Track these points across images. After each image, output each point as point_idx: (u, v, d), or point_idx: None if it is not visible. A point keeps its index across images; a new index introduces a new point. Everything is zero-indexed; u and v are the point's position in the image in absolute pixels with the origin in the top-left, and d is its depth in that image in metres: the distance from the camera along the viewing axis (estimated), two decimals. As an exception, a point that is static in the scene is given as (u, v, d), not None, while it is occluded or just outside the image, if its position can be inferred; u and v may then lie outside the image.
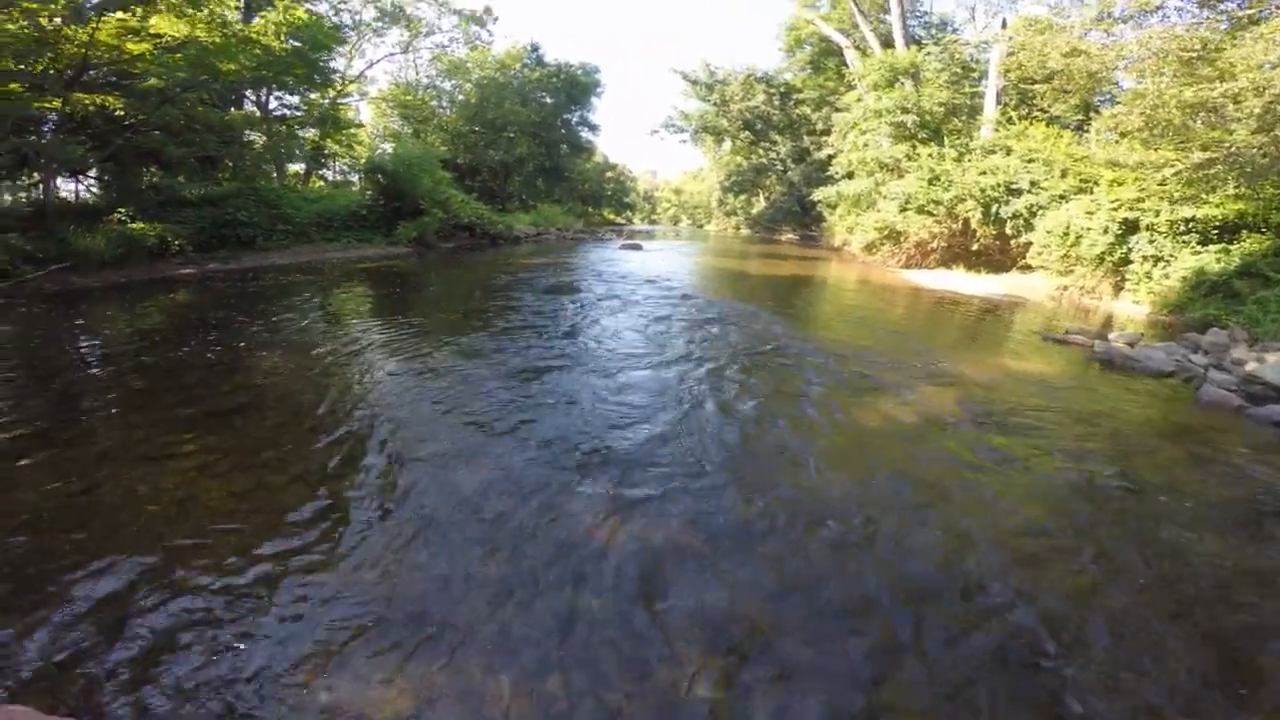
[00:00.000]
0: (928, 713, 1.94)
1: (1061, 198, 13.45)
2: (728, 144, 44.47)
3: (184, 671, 2.02)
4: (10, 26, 9.43)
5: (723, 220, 56.04)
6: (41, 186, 11.99)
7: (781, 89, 37.17)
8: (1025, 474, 3.67)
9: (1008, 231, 14.66)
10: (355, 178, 24.91)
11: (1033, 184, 14.21)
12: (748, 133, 40.06)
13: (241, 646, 2.13)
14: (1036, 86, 14.01)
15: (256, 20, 15.11)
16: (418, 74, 33.22)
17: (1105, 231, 11.45)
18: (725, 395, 4.95)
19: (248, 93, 19.58)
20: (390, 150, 23.63)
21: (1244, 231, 10.10)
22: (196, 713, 1.87)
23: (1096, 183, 12.78)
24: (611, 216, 50.27)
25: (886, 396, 5.06)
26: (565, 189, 39.19)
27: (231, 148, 15.31)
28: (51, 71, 10.70)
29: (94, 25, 10.32)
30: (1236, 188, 9.99)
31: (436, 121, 31.17)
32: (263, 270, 11.88)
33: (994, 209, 14.80)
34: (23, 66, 10.18)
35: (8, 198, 13.38)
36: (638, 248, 21.38)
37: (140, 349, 6.00)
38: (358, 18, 27.38)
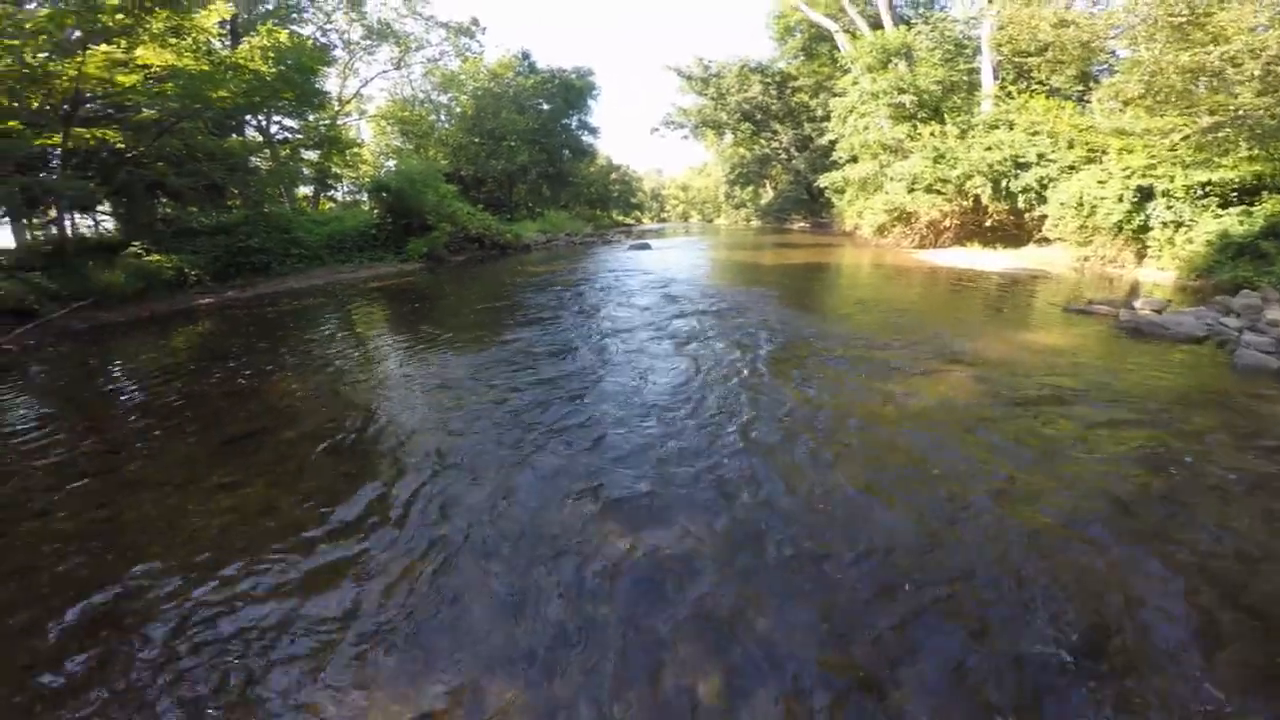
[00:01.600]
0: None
1: (1071, 168, 13.30)
2: (729, 137, 44.36)
3: (185, 684, 2.07)
4: None
5: (732, 213, 55.95)
6: (56, 224, 12.23)
7: (777, 78, 36.96)
8: (1054, 454, 3.56)
9: (1020, 205, 14.49)
10: (364, 197, 25.19)
11: (1040, 156, 14.06)
12: (748, 124, 39.89)
13: (245, 662, 2.17)
14: (1031, 59, 13.92)
15: (243, 46, 15.26)
16: (413, 89, 33.54)
17: (1120, 200, 11.25)
18: (736, 385, 4.93)
19: (249, 118, 19.84)
20: (393, 167, 23.88)
21: (1264, 193, 9.88)
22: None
23: (1105, 151, 12.62)
24: (620, 218, 50.34)
25: (903, 379, 4.99)
26: (571, 194, 39.31)
27: (236, 174, 15.48)
28: (47, 108, 10.89)
29: (80, 59, 10.48)
30: (1249, 150, 9.83)
31: (436, 135, 31.41)
32: (279, 295, 12.03)
33: (1004, 183, 14.65)
34: (17, 104, 10.38)
35: (28, 236, 13.64)
36: (646, 247, 21.35)
37: (163, 380, 6.09)
38: (346, 37, 27.73)
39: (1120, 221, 11.29)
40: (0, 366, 7.18)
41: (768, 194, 47.81)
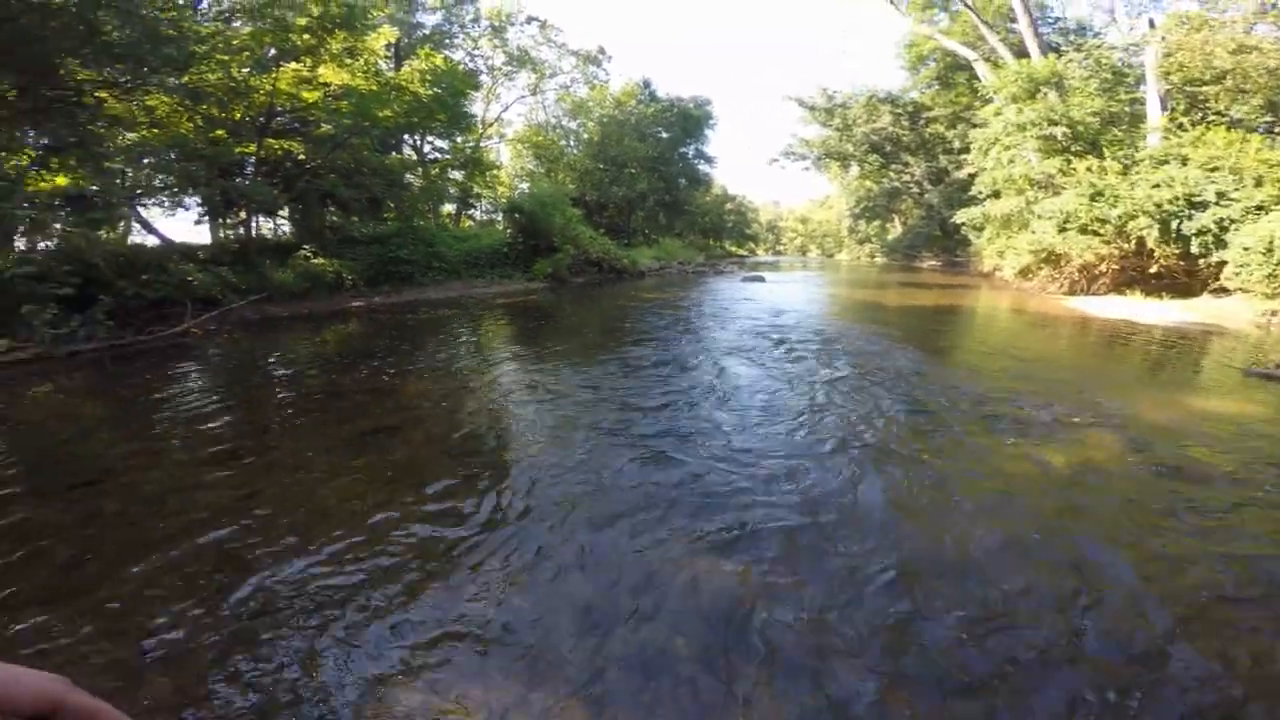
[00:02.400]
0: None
1: (1259, 209, 11.74)
2: (855, 169, 43.28)
3: (278, 665, 2.20)
4: (210, 76, 11.26)
5: (855, 248, 54.26)
6: (244, 224, 14.08)
7: (909, 108, 35.71)
8: (1220, 541, 3.02)
9: (1193, 250, 12.90)
10: (499, 216, 26.96)
11: (1220, 195, 12.50)
12: (876, 156, 38.73)
13: (341, 648, 2.28)
14: (1206, 88, 12.54)
15: (404, 68, 16.87)
16: (546, 115, 35.67)
17: (1322, 245, 9.76)
18: (851, 436, 4.60)
19: (405, 138, 21.88)
20: (526, 189, 25.40)
21: None
22: (286, 700, 2.04)
23: (1302, 189, 11.02)
24: (733, 248, 50.36)
25: (1044, 442, 4.41)
26: (685, 222, 39.91)
27: (394, 189, 17.11)
28: (246, 119, 12.63)
29: (275, 75, 12.06)
30: None
31: (565, 160, 33.11)
32: (418, 304, 13.08)
33: (1174, 225, 13.12)
34: (224, 115, 12.11)
35: (220, 235, 15.80)
36: (760, 279, 21.15)
37: (315, 373, 6.79)
38: (490, 63, 30.06)
39: (1321, 271, 9.78)
40: (185, 347, 8.34)
41: (895, 229, 45.99)
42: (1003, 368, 7.16)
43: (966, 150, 24.01)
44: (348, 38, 12.97)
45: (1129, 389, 6.14)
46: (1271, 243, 10.65)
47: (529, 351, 7.98)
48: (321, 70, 13.03)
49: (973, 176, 22.79)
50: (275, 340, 9.08)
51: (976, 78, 26.43)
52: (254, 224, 14.70)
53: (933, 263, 35.37)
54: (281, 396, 6.08)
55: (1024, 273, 17.68)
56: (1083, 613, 2.44)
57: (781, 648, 2.25)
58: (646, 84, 36.62)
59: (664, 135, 35.89)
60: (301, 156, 14.14)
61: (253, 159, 13.36)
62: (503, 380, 6.39)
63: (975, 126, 23.23)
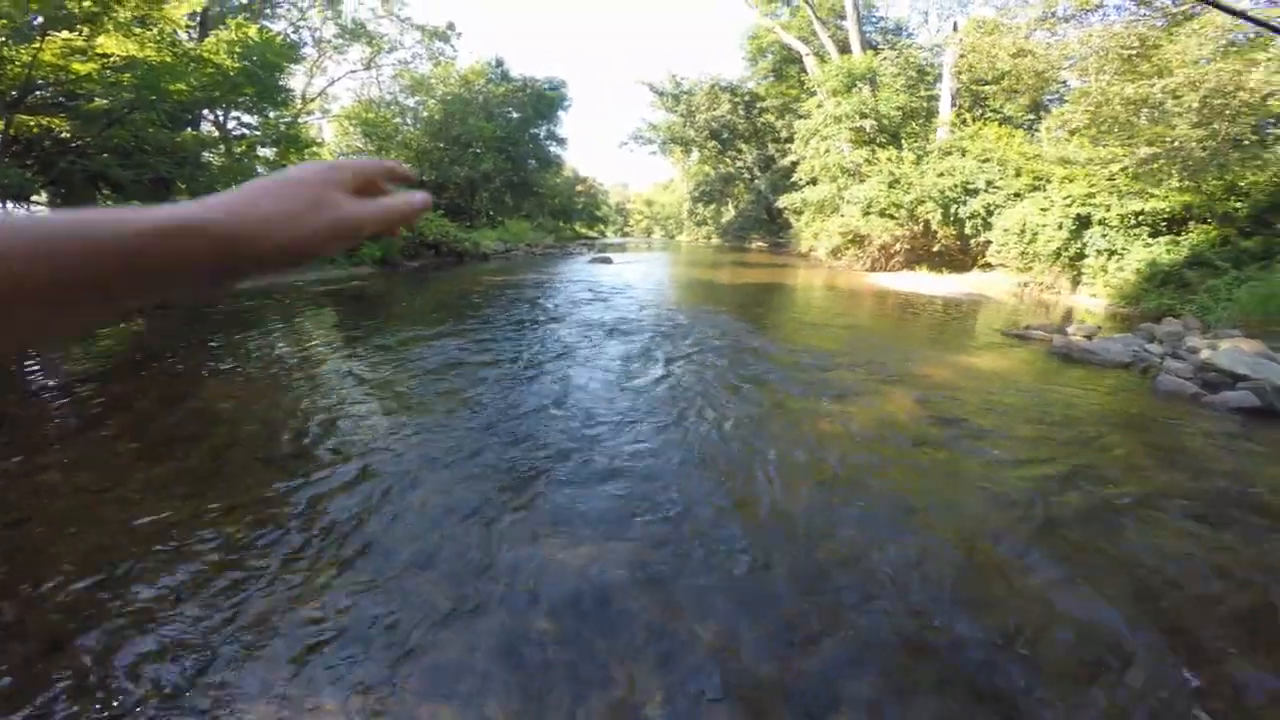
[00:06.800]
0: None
1: (1016, 196, 13.85)
2: (696, 154, 44.96)
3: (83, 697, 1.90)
4: None
5: (694, 230, 56.68)
6: (-16, 215, 11.57)
7: (746, 98, 37.68)
8: (982, 472, 3.65)
9: (967, 231, 15.01)
10: (318, 198, 24.51)
11: (988, 183, 14.60)
12: (714, 142, 40.49)
13: (155, 672, 2.02)
14: (988, 88, 14.55)
15: (209, 39, 14.85)
16: (381, 91, 33.14)
17: (1059, 227, 11.75)
18: (677, 398, 4.92)
19: (205, 113, 19.22)
20: (352, 169, 23.37)
21: (1191, 223, 10.43)
22: None
23: (1049, 180, 13.18)
24: (583, 230, 50.27)
25: (843, 398, 5.06)
26: (534, 204, 39.09)
27: (185, 169, 14.91)
28: None
29: (38, 46, 10.02)
30: (1180, 181, 10.32)
31: (400, 139, 30.96)
32: (222, 296, 11.57)
33: (953, 209, 15.16)
34: None
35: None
36: (608, 261, 21.39)
37: (92, 381, 5.76)
38: (317, 35, 27.23)
39: (1058, 249, 11.78)
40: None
41: (729, 212, 48.57)
42: (817, 337, 7.94)
43: (792, 139, 25.85)
44: (140, 4, 10.97)
45: (917, 352, 7.05)
46: (1024, 225, 12.64)
47: (348, 344, 7.37)
48: (102, 40, 10.92)
49: (795, 164, 24.64)
50: (27, 350, 7.58)
51: (806, 71, 28.49)
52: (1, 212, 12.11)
53: (760, 244, 37.98)
54: (52, 410, 5.05)
55: (835, 252, 19.55)
56: (868, 557, 2.74)
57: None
58: (499, 63, 35.11)
59: (515, 115, 34.65)
60: (66, 134, 11.83)
61: (-1, 138, 10.94)
62: (319, 376, 5.84)
63: (800, 117, 25.04)
